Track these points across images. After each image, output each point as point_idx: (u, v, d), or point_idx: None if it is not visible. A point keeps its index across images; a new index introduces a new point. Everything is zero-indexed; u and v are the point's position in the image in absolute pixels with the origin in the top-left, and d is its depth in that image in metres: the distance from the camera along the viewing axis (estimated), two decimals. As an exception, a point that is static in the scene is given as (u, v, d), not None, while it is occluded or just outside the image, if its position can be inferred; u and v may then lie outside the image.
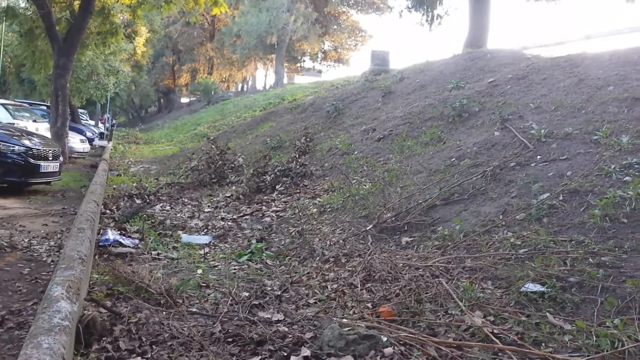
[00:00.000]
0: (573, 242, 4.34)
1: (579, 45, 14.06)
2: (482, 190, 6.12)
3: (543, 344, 3.19)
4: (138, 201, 8.83)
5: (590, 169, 5.45)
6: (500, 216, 5.32)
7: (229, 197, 9.25)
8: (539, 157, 6.33)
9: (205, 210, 8.51)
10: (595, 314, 3.41)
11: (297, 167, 9.67)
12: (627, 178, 4.98)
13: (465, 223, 5.46)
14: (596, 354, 2.97)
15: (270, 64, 50.53)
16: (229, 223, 7.49)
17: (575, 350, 3.08)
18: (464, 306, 3.72)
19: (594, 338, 3.11)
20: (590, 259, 4.00)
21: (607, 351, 2.97)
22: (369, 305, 4.14)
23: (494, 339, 3.25)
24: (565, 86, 8.52)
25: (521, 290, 3.84)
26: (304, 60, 52.27)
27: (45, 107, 19.88)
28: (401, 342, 3.33)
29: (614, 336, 3.06)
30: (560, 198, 5.11)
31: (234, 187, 9.92)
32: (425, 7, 20.50)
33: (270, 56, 46.07)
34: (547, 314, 3.50)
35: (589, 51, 10.46)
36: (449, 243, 5.13)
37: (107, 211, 7.88)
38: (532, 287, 3.83)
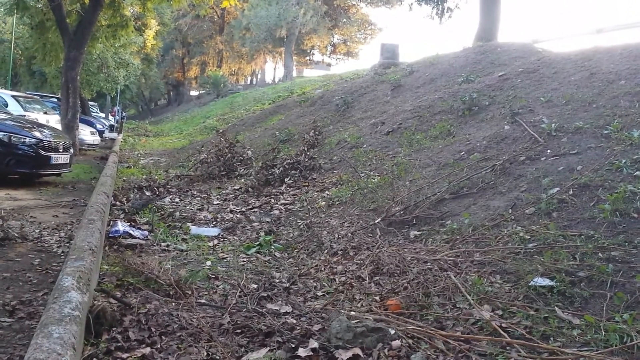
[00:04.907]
0: (583, 236, 4.31)
1: (590, 38, 13.92)
2: (491, 184, 6.09)
3: (551, 338, 3.19)
4: (148, 193, 8.88)
5: (601, 163, 5.42)
6: (510, 210, 5.30)
7: (237, 189, 9.27)
8: (549, 151, 6.29)
9: (214, 202, 8.54)
10: (605, 308, 3.39)
11: (306, 160, 9.68)
12: (637, 173, 4.95)
13: (474, 217, 5.45)
14: (605, 348, 2.96)
15: (279, 57, 50.47)
16: (238, 215, 7.51)
17: (583, 345, 3.07)
18: (472, 300, 3.72)
19: (603, 333, 3.10)
20: (599, 254, 3.98)
21: (615, 346, 2.96)
22: (377, 298, 4.14)
23: (502, 332, 3.25)
24: (576, 80, 8.45)
25: (530, 284, 3.83)
26: (313, 54, 52.19)
27: (56, 100, 20.00)
28: (409, 335, 3.33)
29: (623, 331, 3.05)
30: (570, 192, 5.08)
31: (242, 180, 9.94)
32: (436, 0, 20.36)
33: (279, 49, 46.01)
34: (556, 308, 3.48)
35: (601, 45, 10.35)
36: (458, 237, 5.12)
37: (117, 203, 7.93)
38: (541, 281, 3.82)
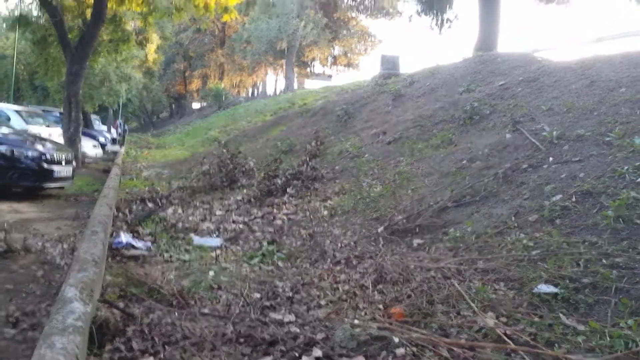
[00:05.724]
0: (586, 243, 4.31)
1: (590, 47, 13.97)
2: (493, 192, 6.09)
3: (556, 345, 3.17)
4: (150, 204, 8.87)
5: (603, 170, 5.42)
6: (513, 218, 5.29)
7: (240, 200, 9.27)
8: (551, 158, 6.30)
9: (217, 213, 8.53)
10: (609, 314, 3.38)
11: (308, 170, 9.69)
12: (640, 179, 4.95)
13: (477, 225, 5.45)
14: (610, 354, 2.95)
15: (280, 69, 50.65)
16: (240, 226, 7.50)
17: (588, 351, 3.05)
18: (476, 307, 3.70)
19: (608, 339, 3.09)
20: (603, 260, 3.97)
21: (620, 352, 2.95)
22: (381, 306, 4.12)
23: (506, 339, 3.24)
24: (577, 88, 8.47)
25: (534, 291, 3.82)
26: (314, 65, 52.34)
27: (58, 113, 20.08)
28: (413, 343, 3.31)
29: (627, 337, 3.04)
30: (573, 199, 5.07)
31: (245, 191, 9.95)
32: (435, 11, 20.50)
33: (280, 61, 46.17)
34: (560, 314, 3.47)
35: (601, 53, 10.39)
36: (461, 245, 5.12)
37: (120, 214, 7.92)
38: (545, 288, 3.81)
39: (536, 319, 3.49)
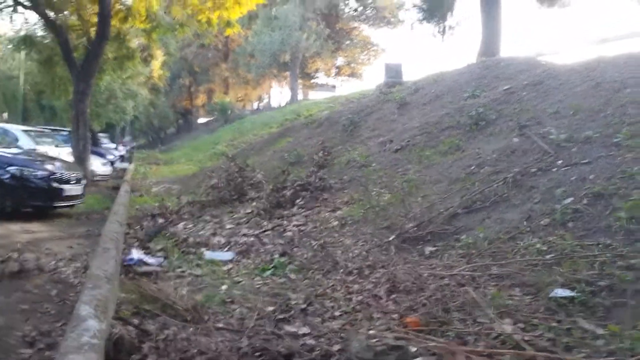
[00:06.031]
0: (600, 245, 4.28)
1: (594, 49, 13.95)
2: (504, 197, 6.07)
3: (575, 350, 3.14)
4: (160, 220, 8.90)
5: (612, 171, 5.39)
6: (525, 222, 5.26)
7: (249, 213, 9.27)
8: (560, 161, 6.27)
9: (227, 227, 8.54)
10: (628, 317, 3.34)
11: (316, 181, 9.67)
12: (651, 179, 4.91)
13: (489, 230, 5.42)
14: (631, 357, 2.91)
15: (284, 82, 50.85)
16: (251, 239, 7.50)
17: (608, 355, 3.02)
18: (493, 314, 3.68)
19: (628, 342, 3.05)
20: (618, 262, 3.93)
21: (642, 354, 2.91)
22: (395, 316, 4.10)
23: (525, 346, 3.21)
24: (582, 90, 8.45)
25: (550, 295, 3.78)
26: (317, 77, 52.52)
27: (66, 132, 20.23)
28: (430, 352, 3.29)
29: (647, 339, 3.00)
30: (585, 202, 5.04)
31: (254, 203, 9.94)
32: (437, 19, 20.56)
33: (284, 74, 46.38)
34: (578, 319, 3.44)
35: (604, 55, 10.36)
36: (474, 251, 5.08)
37: (131, 231, 7.95)
38: (561, 292, 3.77)
39: (554, 323, 3.45)
